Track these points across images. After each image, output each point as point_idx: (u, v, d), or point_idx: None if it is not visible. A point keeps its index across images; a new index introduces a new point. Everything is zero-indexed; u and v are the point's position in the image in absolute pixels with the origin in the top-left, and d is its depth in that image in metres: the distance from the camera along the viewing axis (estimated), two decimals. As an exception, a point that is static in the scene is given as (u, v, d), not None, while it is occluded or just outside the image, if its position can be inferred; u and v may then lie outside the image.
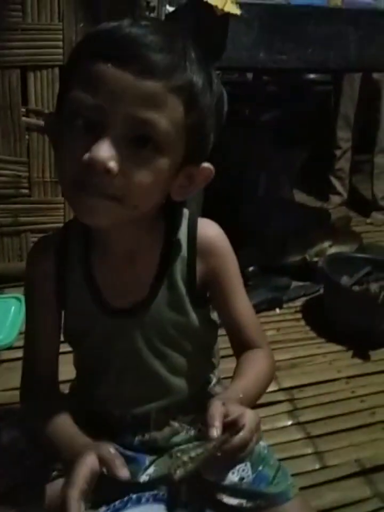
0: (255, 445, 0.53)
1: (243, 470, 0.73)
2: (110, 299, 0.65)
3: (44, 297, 0.66)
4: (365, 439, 1.10)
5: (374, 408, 1.18)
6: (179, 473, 0.47)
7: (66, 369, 0.81)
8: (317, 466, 1.02)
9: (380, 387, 1.25)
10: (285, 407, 1.18)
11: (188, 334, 0.69)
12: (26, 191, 1.40)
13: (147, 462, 0.73)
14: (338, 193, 2.37)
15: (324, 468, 1.02)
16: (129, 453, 0.73)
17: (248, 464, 0.73)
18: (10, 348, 1.24)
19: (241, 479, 0.72)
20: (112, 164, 0.48)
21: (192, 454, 0.48)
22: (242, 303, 0.70)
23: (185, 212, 0.69)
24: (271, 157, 2.10)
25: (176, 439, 0.75)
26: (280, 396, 1.21)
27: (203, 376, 0.78)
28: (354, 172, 2.44)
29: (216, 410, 0.52)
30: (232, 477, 0.73)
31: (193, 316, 0.68)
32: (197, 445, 0.50)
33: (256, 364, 0.68)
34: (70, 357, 0.78)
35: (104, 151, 0.48)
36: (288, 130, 2.26)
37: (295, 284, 1.68)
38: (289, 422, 1.14)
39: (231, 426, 0.51)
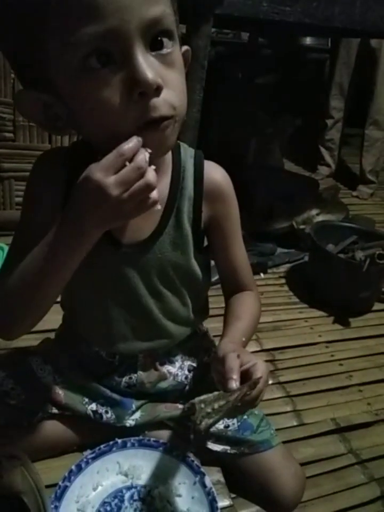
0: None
1: (228, 418, 0.74)
2: (116, 232, 0.63)
3: (46, 210, 0.60)
4: (341, 400, 1.13)
5: (351, 371, 1.21)
6: (204, 424, 0.50)
7: (54, 318, 0.79)
8: (295, 423, 1.05)
9: (357, 352, 1.28)
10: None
11: (186, 277, 0.69)
12: (10, 134, 1.32)
13: (134, 407, 0.73)
14: (327, 164, 2.36)
15: (301, 425, 1.05)
16: (115, 396, 0.73)
17: (235, 413, 0.75)
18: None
19: (226, 426, 0.74)
20: (159, 80, 0.46)
21: (216, 405, 0.51)
22: (239, 248, 0.71)
23: (191, 150, 0.66)
24: (262, 123, 2.06)
25: (163, 384, 0.75)
26: (262, 356, 1.23)
27: (193, 324, 0.78)
28: (343, 144, 2.43)
29: (234, 363, 0.54)
30: (217, 425, 0.74)
31: (194, 260, 0.68)
32: (217, 396, 0.52)
33: (250, 306, 0.72)
34: (57, 307, 0.76)
35: (147, 70, 0.45)
36: (282, 97, 2.22)
37: (280, 250, 1.69)
38: (270, 381, 1.15)
39: (245, 376, 0.54)
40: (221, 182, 0.67)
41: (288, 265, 1.64)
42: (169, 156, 0.64)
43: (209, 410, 0.50)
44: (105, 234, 0.61)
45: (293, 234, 1.71)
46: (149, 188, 0.47)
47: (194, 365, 0.79)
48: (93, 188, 0.47)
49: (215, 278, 0.77)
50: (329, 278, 1.41)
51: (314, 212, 1.66)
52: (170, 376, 0.76)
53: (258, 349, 1.25)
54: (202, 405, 0.51)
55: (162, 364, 0.75)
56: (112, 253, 0.64)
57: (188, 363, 0.78)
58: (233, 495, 0.75)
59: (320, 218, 1.67)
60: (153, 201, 0.49)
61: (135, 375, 0.73)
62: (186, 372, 0.78)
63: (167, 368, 0.75)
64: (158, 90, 0.47)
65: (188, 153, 0.66)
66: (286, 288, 1.53)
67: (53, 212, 0.59)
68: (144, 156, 0.47)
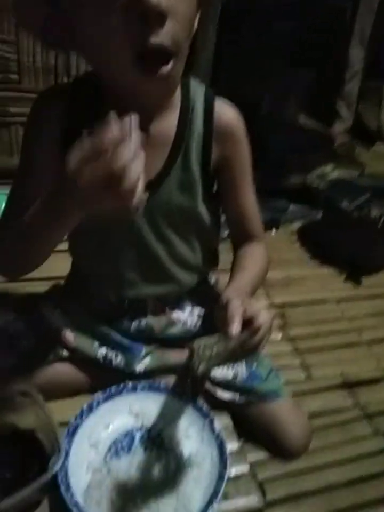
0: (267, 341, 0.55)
1: (237, 367, 0.74)
2: None
3: (46, 145, 0.59)
4: (350, 356, 1.12)
5: (362, 328, 1.20)
6: (201, 368, 0.50)
7: (63, 265, 0.78)
8: (303, 377, 1.05)
9: (368, 310, 1.27)
10: (276, 321, 1.19)
11: (193, 223, 0.67)
12: (15, 76, 1.27)
13: (143, 352, 0.73)
14: (343, 120, 2.26)
15: (309, 378, 1.05)
16: (125, 341, 0.72)
17: (243, 361, 0.74)
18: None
19: (235, 375, 0.73)
20: (163, 4, 0.44)
21: (215, 350, 0.50)
22: (250, 195, 0.68)
23: (201, 87, 0.62)
24: (278, 74, 1.97)
25: (172, 330, 0.74)
26: (271, 310, 1.22)
27: (202, 272, 0.76)
28: (361, 99, 2.32)
29: (236, 310, 0.52)
30: (227, 373, 0.74)
31: (202, 205, 0.65)
32: (217, 340, 0.51)
33: (257, 258, 0.70)
34: (66, 253, 0.75)
35: None
36: (299, 46, 2.09)
37: (293, 206, 1.65)
38: (280, 335, 1.15)
39: (247, 324, 0.53)
40: (233, 121, 0.63)
41: (300, 222, 1.61)
42: (177, 91, 0.60)
43: (208, 354, 0.50)
44: None
45: (306, 191, 1.66)
46: (116, 174, 0.39)
47: (204, 312, 0.79)
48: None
49: (226, 233, 0.75)
50: (343, 235, 1.38)
51: (328, 167, 1.61)
52: (180, 323, 0.75)
53: (267, 303, 1.24)
54: (202, 349, 0.50)
55: (172, 310, 0.74)
56: None
57: (197, 311, 0.78)
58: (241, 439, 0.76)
59: (334, 174, 1.61)
60: (129, 191, 0.40)
61: (145, 320, 0.72)
62: (196, 319, 0.77)
63: (177, 314, 0.75)
64: (161, 17, 0.44)
65: (198, 90, 0.62)
66: (297, 244, 1.51)
67: (52, 152, 0.59)
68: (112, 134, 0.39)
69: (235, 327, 0.50)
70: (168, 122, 0.60)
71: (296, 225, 1.59)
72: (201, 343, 0.52)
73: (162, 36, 0.46)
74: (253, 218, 0.70)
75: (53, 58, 1.25)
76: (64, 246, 0.75)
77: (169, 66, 0.48)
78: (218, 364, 0.53)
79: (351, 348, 1.14)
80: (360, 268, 1.38)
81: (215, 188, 0.67)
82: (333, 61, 2.14)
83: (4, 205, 1.26)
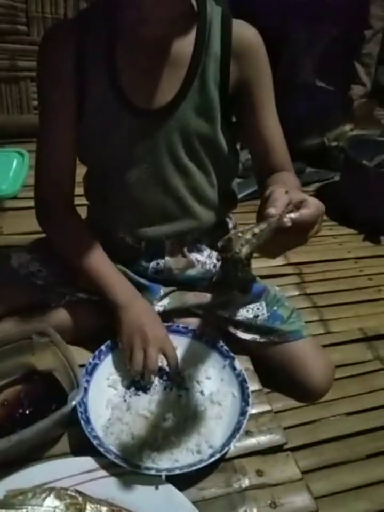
0: (320, 228, 0.49)
1: (258, 309, 0.73)
2: (134, 98, 0.59)
3: (61, 85, 0.59)
4: (369, 311, 1.11)
5: (381, 286, 1.18)
6: (245, 250, 0.43)
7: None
8: (322, 331, 1.04)
9: (388, 268, 1.24)
10: (293, 279, 1.18)
11: (212, 151, 0.64)
12: (23, 28, 1.23)
13: (161, 292, 0.72)
14: (362, 83, 2.17)
15: (328, 333, 1.04)
16: (143, 281, 0.71)
17: (263, 303, 0.74)
18: (14, 198, 1.20)
19: (256, 316, 0.72)
20: None
21: (256, 230, 0.43)
22: (273, 121, 0.64)
23: (218, 8, 0.59)
24: (294, 32, 1.89)
25: (191, 272, 0.73)
26: (289, 270, 1.20)
27: (220, 211, 0.74)
28: (381, 63, 2.23)
29: (280, 196, 0.45)
30: (247, 314, 0.73)
31: (220, 131, 0.62)
32: (255, 225, 0.44)
33: (293, 180, 0.64)
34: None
35: None
36: (317, 3, 2.01)
37: (310, 169, 1.61)
38: (296, 293, 1.13)
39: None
40: (252, 40, 0.60)
41: (317, 185, 1.57)
42: (193, 10, 0.57)
43: (248, 236, 0.43)
44: (121, 100, 0.58)
45: (323, 153, 1.63)
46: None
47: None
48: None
49: (242, 194, 0.71)
50: (363, 194, 1.34)
51: (347, 127, 1.56)
52: (198, 264, 0.74)
53: (284, 262, 1.22)
54: (240, 234, 0.44)
55: (190, 251, 0.73)
56: (130, 121, 0.59)
57: (216, 253, 0.76)
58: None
59: (353, 134, 1.56)
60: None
61: (163, 260, 0.71)
62: (215, 261, 0.76)
63: (195, 256, 0.73)
64: None
65: (214, 9, 0.59)
66: (314, 206, 1.48)
67: (70, 89, 0.58)
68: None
69: (279, 206, 0.44)
70: (185, 43, 0.58)
71: (313, 187, 1.56)
72: (238, 230, 0.45)
73: None
74: (278, 148, 0.65)
75: (62, 7, 1.21)
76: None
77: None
78: (261, 243, 0.44)
79: (369, 304, 1.12)
80: (380, 227, 1.35)
81: (234, 119, 0.64)
82: (353, 19, 2.05)
83: (15, 163, 1.27)
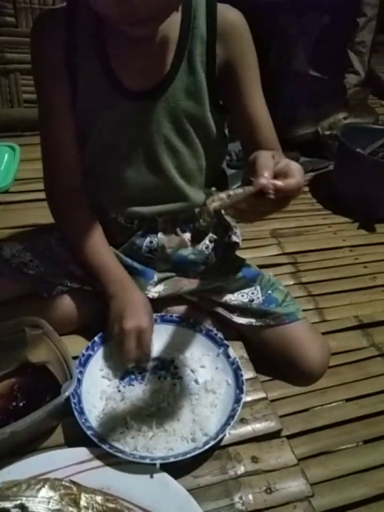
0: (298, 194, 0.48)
1: (253, 293, 0.73)
2: (125, 79, 0.59)
3: (54, 74, 0.59)
4: (364, 299, 1.10)
5: (376, 273, 1.18)
6: (215, 204, 0.45)
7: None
8: (317, 320, 1.03)
9: (383, 256, 1.24)
10: (288, 269, 1.17)
11: (202, 131, 0.65)
12: (11, 19, 1.21)
13: (155, 278, 0.71)
14: (355, 72, 2.16)
15: (323, 321, 1.04)
16: (137, 265, 0.71)
17: (258, 287, 0.73)
18: (6, 192, 1.20)
19: (251, 300, 0.72)
20: None
21: (231, 192, 0.45)
22: (260, 101, 0.65)
23: None
24: (286, 21, 1.88)
25: (184, 252, 0.74)
26: (284, 259, 1.20)
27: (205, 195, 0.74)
28: (374, 51, 2.21)
29: (268, 161, 0.46)
30: (242, 298, 0.73)
31: (209, 113, 0.63)
32: (237, 187, 0.46)
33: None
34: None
35: None
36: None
37: (303, 159, 1.60)
38: (292, 282, 1.13)
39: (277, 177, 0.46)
40: (236, 21, 0.61)
41: (311, 174, 1.57)
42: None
43: (223, 196, 0.45)
44: (113, 83, 0.59)
45: (317, 143, 1.62)
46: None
47: (215, 237, 0.77)
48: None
49: (236, 185, 0.73)
50: (357, 182, 1.34)
51: (341, 115, 1.55)
52: (190, 245, 0.74)
53: (279, 252, 1.22)
54: (219, 192, 0.45)
55: (183, 232, 0.73)
56: (121, 103, 0.60)
57: (209, 234, 0.77)
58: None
59: (347, 122, 1.56)
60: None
61: (156, 238, 0.71)
62: (207, 242, 0.76)
63: (188, 236, 0.73)
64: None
65: None
66: (309, 195, 1.47)
67: (63, 75, 0.59)
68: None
69: (265, 175, 0.44)
70: (171, 26, 0.58)
71: (307, 177, 1.55)
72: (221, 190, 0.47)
73: (139, 13, 0.46)
74: (265, 128, 0.65)
75: (51, -2, 1.20)
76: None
77: (150, 28, 0.51)
78: (232, 203, 0.46)
79: (365, 292, 1.12)
80: (374, 215, 1.35)
81: (221, 103, 0.65)
82: (344, 6, 2.04)
83: (6, 157, 1.26)
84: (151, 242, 0.71)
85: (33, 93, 1.40)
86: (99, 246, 0.67)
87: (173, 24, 0.58)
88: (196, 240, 0.74)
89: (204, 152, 0.67)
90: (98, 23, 0.57)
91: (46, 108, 0.63)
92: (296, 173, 0.45)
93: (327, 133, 1.55)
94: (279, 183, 0.44)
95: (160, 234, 0.70)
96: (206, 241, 0.76)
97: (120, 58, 0.59)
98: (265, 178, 0.44)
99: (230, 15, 0.61)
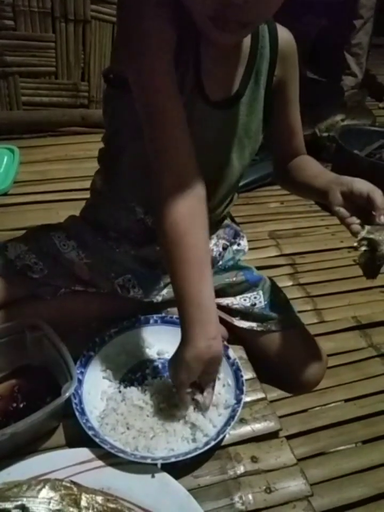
0: None
1: (255, 297, 0.74)
2: (208, 88, 0.60)
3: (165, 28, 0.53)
4: (362, 300, 1.12)
5: (374, 274, 1.18)
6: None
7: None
8: (315, 321, 1.05)
9: (381, 257, 1.24)
10: (286, 270, 1.18)
11: (252, 145, 0.68)
12: (10, 22, 1.22)
13: (162, 283, 0.72)
14: (353, 74, 2.17)
15: (321, 322, 1.05)
16: (144, 270, 0.71)
17: (260, 292, 0.74)
18: (5, 194, 1.20)
19: (253, 304, 0.73)
20: None
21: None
22: (298, 113, 0.72)
23: None
24: (283, 24, 1.89)
25: None
26: (282, 260, 1.21)
27: (230, 204, 0.77)
28: (371, 54, 2.23)
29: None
30: (244, 302, 0.73)
31: (261, 129, 0.67)
32: (377, 228, 0.56)
33: (320, 166, 0.73)
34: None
35: None
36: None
37: (300, 160, 1.61)
38: (290, 283, 1.14)
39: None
40: (292, 43, 0.66)
41: (309, 175, 1.58)
42: None
43: (382, 237, 0.55)
44: (199, 88, 0.60)
45: (314, 145, 1.62)
46: None
47: (228, 244, 0.80)
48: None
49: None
50: (354, 183, 1.34)
51: (338, 117, 1.56)
52: None
53: (277, 253, 1.23)
54: (376, 234, 0.55)
55: None
56: (201, 109, 0.61)
57: (222, 242, 0.79)
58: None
59: (344, 124, 1.57)
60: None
61: None
62: (220, 249, 0.78)
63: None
64: (246, 3, 0.46)
65: None
66: (307, 197, 1.48)
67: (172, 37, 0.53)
68: None
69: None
70: (243, 44, 0.61)
71: (305, 178, 1.56)
72: (369, 231, 0.56)
73: (242, 15, 0.48)
74: (301, 135, 0.73)
75: (50, 1, 1.20)
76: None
77: (242, 33, 0.54)
78: None
79: (363, 293, 1.13)
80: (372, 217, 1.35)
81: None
82: (342, 8, 2.05)
83: (5, 160, 1.26)
84: None
85: (32, 95, 1.42)
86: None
87: (245, 41, 0.61)
88: (211, 246, 0.76)
89: (239, 165, 0.69)
90: (195, 25, 0.55)
91: (150, 48, 0.53)
92: None
93: (325, 134, 1.56)
94: None
95: None
96: (220, 248, 0.78)
97: (207, 66, 0.59)
98: None
99: (286, 36, 0.65)
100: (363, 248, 0.56)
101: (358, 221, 0.58)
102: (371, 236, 0.55)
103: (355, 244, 0.58)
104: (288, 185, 0.76)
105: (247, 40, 0.61)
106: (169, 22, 0.53)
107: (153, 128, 0.54)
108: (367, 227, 0.57)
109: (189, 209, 0.53)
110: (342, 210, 0.61)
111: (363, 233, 0.56)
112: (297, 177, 0.71)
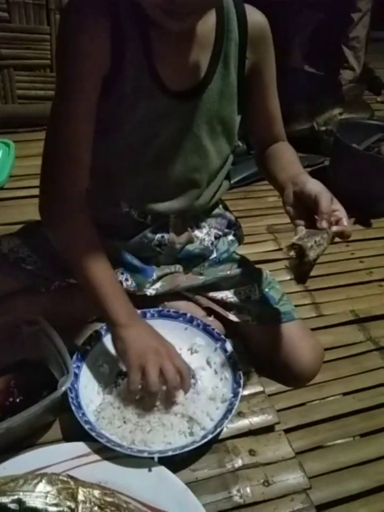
0: None
1: (250, 290, 0.73)
2: (166, 79, 0.59)
3: (94, 52, 0.54)
4: (360, 294, 1.11)
5: (372, 268, 1.18)
6: (313, 254, 0.53)
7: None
8: (314, 315, 1.04)
9: (379, 251, 1.24)
10: (284, 264, 1.17)
11: (227, 132, 0.67)
12: (4, 14, 1.20)
13: (154, 276, 0.71)
14: (351, 68, 2.16)
15: (320, 316, 1.04)
16: (137, 263, 0.71)
17: (255, 285, 0.73)
18: (1, 188, 1.19)
19: (248, 297, 0.72)
20: None
21: (317, 239, 0.53)
22: (276, 98, 0.69)
23: None
24: (281, 17, 1.87)
25: (190, 247, 0.75)
26: (279, 255, 1.20)
27: (218, 192, 0.75)
28: (368, 48, 2.21)
29: (328, 206, 0.55)
30: (239, 296, 0.73)
31: (236, 115, 0.65)
32: (313, 232, 0.54)
33: (294, 152, 0.73)
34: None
35: None
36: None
37: (299, 154, 1.60)
38: (288, 277, 1.13)
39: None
40: (264, 24, 0.63)
41: (308, 169, 1.56)
42: None
43: (311, 244, 0.53)
44: (156, 81, 0.58)
45: (312, 139, 1.62)
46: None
47: (220, 233, 0.79)
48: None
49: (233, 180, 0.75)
50: (352, 177, 1.34)
51: (336, 111, 1.55)
52: (197, 240, 0.75)
53: (275, 248, 1.22)
54: (305, 240, 0.53)
55: (191, 228, 0.74)
56: (161, 101, 0.59)
57: (214, 231, 0.78)
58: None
59: (343, 118, 1.56)
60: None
61: (167, 235, 0.71)
62: (213, 239, 0.77)
63: (195, 232, 0.75)
64: None
65: None
66: (304, 191, 1.48)
67: (98, 72, 0.55)
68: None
69: (326, 221, 0.53)
70: (207, 27, 0.59)
71: (303, 172, 1.56)
72: (300, 238, 0.54)
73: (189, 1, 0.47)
74: (279, 120, 0.72)
75: (45, -7, 1.18)
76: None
77: (187, 23, 0.52)
78: (323, 252, 0.55)
79: (361, 287, 1.12)
80: (371, 210, 1.35)
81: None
82: (340, 2, 2.04)
83: (1, 153, 1.25)
84: (162, 237, 0.71)
85: (27, 89, 1.40)
86: (103, 267, 0.60)
87: (209, 26, 0.59)
88: (202, 236, 0.76)
89: (227, 151, 0.69)
90: (143, 17, 0.54)
91: (71, 95, 0.56)
92: (345, 218, 0.56)
93: (323, 128, 1.55)
94: (335, 228, 0.54)
95: (171, 233, 0.71)
96: (212, 237, 0.77)
97: (163, 57, 0.58)
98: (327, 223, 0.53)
99: (257, 18, 0.62)
100: (292, 253, 0.54)
101: (303, 223, 0.56)
102: (300, 242, 0.53)
103: (284, 249, 0.56)
104: (265, 174, 0.74)
105: (212, 24, 0.59)
106: (93, 36, 0.53)
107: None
108: (302, 232, 0.55)
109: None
110: (291, 211, 0.58)
111: (294, 239, 0.54)
112: (269, 166, 0.70)
